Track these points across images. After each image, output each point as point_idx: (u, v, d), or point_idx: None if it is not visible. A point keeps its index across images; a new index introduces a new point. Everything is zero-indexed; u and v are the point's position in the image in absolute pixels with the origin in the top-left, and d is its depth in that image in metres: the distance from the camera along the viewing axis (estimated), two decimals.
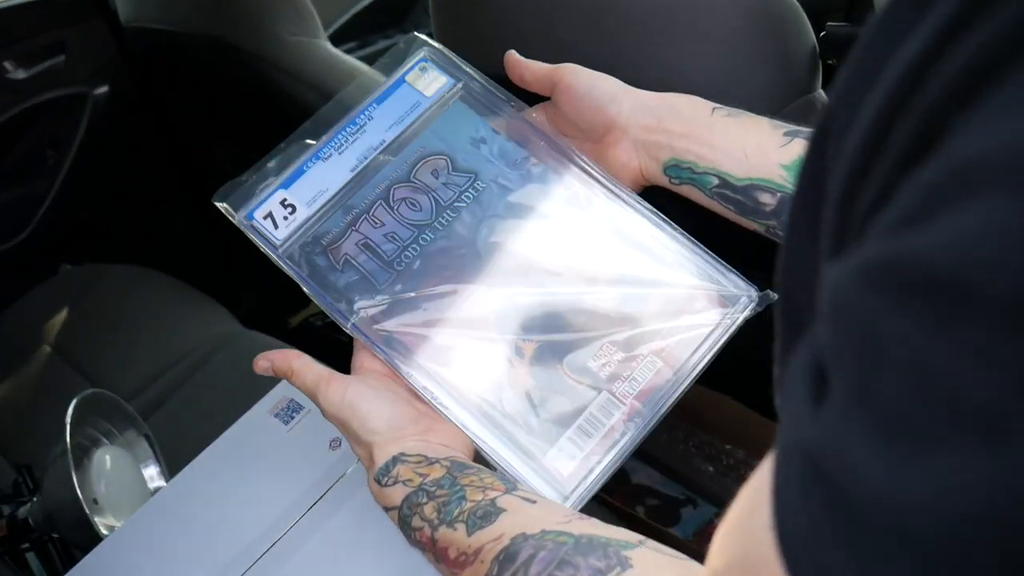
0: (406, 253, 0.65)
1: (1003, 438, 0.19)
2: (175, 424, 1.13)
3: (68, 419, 0.85)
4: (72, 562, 0.72)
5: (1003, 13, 0.21)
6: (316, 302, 0.63)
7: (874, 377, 0.22)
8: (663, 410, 0.61)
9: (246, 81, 1.38)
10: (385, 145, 0.68)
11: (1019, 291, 0.19)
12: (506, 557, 0.48)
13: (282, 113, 1.21)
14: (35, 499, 0.89)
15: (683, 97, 0.66)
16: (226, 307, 1.31)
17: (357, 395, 0.59)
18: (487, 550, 0.50)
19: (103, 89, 1.46)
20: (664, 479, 1.15)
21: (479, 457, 0.60)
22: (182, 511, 0.72)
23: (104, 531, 0.81)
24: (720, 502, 1.10)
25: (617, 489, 1.13)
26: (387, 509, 0.57)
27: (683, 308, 0.63)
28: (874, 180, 0.23)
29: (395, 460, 0.57)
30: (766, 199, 0.62)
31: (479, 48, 0.71)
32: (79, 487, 0.80)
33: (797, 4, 0.82)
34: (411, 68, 0.71)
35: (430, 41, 0.72)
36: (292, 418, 0.74)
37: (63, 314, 1.33)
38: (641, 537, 0.47)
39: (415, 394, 0.60)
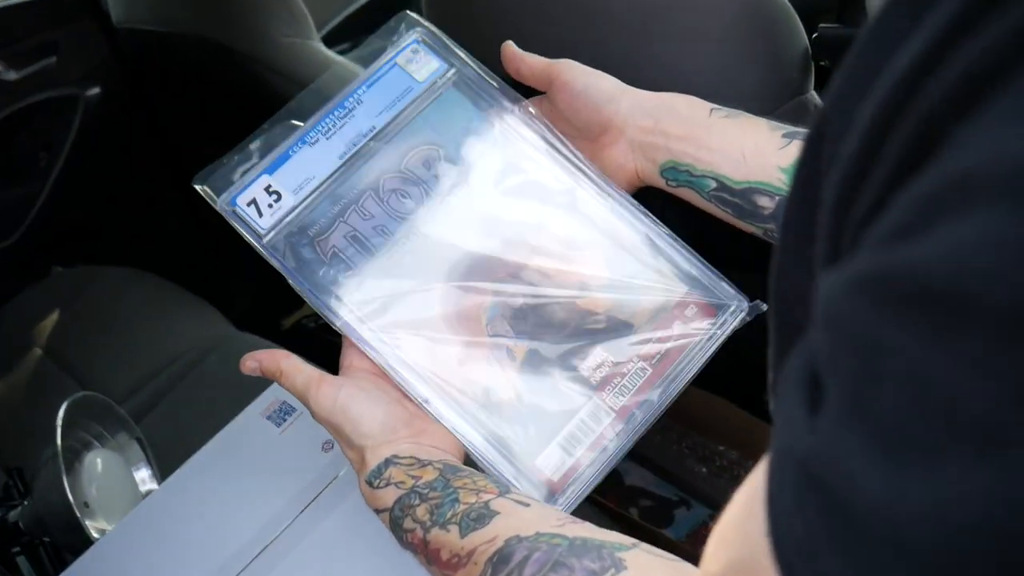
0: (396, 247, 0.63)
1: (1000, 449, 0.19)
2: (167, 427, 1.12)
3: (59, 422, 0.84)
4: (63, 566, 0.72)
5: (1006, 19, 0.20)
6: (303, 296, 0.62)
7: (870, 387, 0.21)
8: (652, 417, 0.60)
9: (239, 82, 1.38)
10: (375, 132, 0.65)
11: (1016, 302, 0.19)
12: (500, 559, 0.48)
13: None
14: (26, 502, 0.88)
15: (681, 97, 0.65)
16: (218, 309, 1.31)
17: (348, 398, 0.58)
18: (480, 552, 0.49)
19: (95, 90, 1.46)
20: (657, 480, 1.15)
21: (470, 460, 0.59)
22: (174, 514, 0.71)
23: (95, 535, 0.80)
24: (713, 503, 1.10)
25: (610, 490, 1.13)
26: (378, 511, 0.57)
27: (674, 316, 0.63)
28: (869, 189, 0.23)
29: (387, 463, 0.56)
30: (764, 202, 0.62)
31: (473, 48, 0.71)
32: (70, 490, 0.80)
33: (789, 5, 0.82)
34: (402, 50, 0.68)
35: (422, 21, 0.69)
36: (284, 420, 0.74)
37: (54, 316, 1.32)
38: (635, 540, 0.47)
39: (405, 394, 0.60)
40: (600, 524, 0.49)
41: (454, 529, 0.52)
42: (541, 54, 0.68)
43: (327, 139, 0.65)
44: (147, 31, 1.45)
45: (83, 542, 0.78)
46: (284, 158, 0.64)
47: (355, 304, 0.61)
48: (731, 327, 0.63)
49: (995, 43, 0.20)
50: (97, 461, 0.89)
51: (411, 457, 0.56)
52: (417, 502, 0.54)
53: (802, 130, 0.62)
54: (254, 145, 0.64)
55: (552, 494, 0.58)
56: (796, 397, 0.25)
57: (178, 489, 0.73)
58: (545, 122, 0.67)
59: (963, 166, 0.20)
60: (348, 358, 0.62)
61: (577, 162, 0.66)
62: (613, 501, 1.12)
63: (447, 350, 0.61)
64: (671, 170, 0.64)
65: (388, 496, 0.55)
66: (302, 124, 0.65)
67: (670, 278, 0.64)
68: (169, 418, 1.15)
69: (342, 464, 0.70)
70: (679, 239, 0.65)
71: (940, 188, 0.21)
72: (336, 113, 0.65)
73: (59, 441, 0.82)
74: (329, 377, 0.60)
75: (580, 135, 0.68)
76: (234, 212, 0.63)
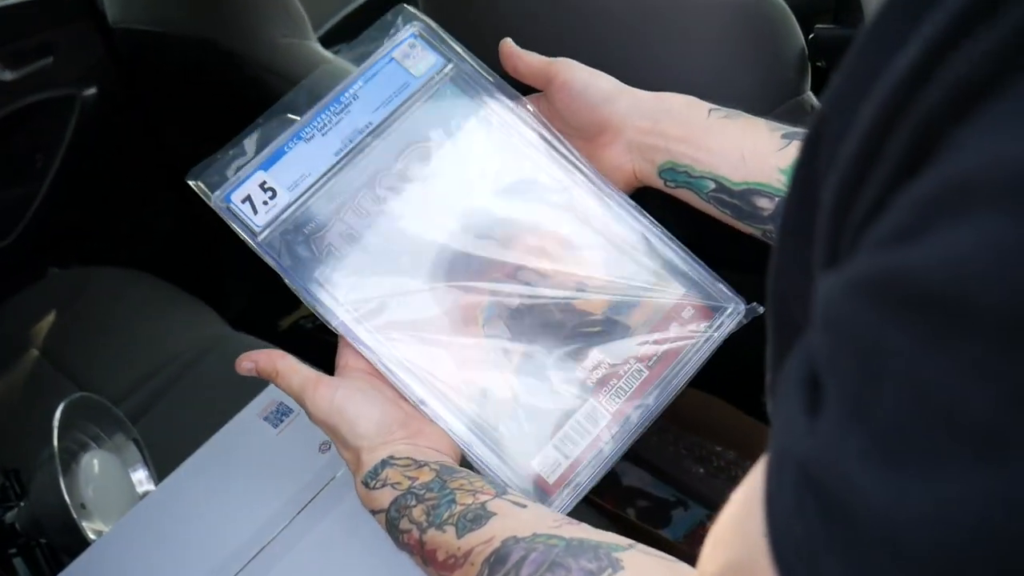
0: (392, 245, 0.62)
1: (1000, 452, 0.19)
2: (164, 428, 1.12)
3: (56, 423, 0.84)
4: (60, 567, 0.72)
5: (1006, 21, 0.20)
6: (298, 295, 0.61)
7: (869, 391, 0.21)
8: (648, 420, 0.60)
9: (236, 83, 1.38)
10: (371, 128, 0.65)
11: (1015, 305, 0.19)
12: (497, 559, 0.48)
13: None
14: (22, 504, 0.88)
15: (680, 98, 0.65)
16: (215, 309, 1.31)
17: (345, 399, 0.58)
18: (477, 552, 0.49)
19: (91, 90, 1.46)
20: (655, 481, 1.15)
21: (466, 461, 0.59)
22: (170, 515, 0.71)
23: (92, 536, 0.80)
24: (711, 504, 1.10)
25: (608, 491, 1.13)
26: (374, 512, 0.57)
27: (671, 318, 0.63)
28: (868, 191, 0.23)
29: (384, 463, 0.56)
30: (763, 203, 0.61)
31: (471, 46, 0.71)
32: (67, 492, 0.80)
33: (785, 6, 0.82)
34: (399, 44, 0.67)
35: (419, 15, 0.69)
36: (281, 421, 0.74)
37: (51, 317, 1.32)
38: (631, 541, 0.47)
39: (402, 395, 0.60)
40: (597, 525, 0.49)
41: (450, 530, 0.51)
42: (539, 53, 0.68)
43: (323, 135, 0.64)
44: (143, 31, 1.45)
45: (80, 543, 0.78)
46: (279, 154, 0.63)
47: (351, 304, 0.61)
48: (728, 329, 0.63)
49: (995, 46, 0.20)
50: (94, 462, 0.89)
51: (407, 458, 0.56)
52: (413, 503, 0.54)
53: (801, 131, 0.62)
54: (249, 140, 0.64)
55: (547, 496, 0.58)
56: (795, 398, 0.24)
57: (175, 490, 0.72)
58: (543, 120, 0.67)
59: (962, 168, 0.20)
60: (344, 358, 0.61)
61: (575, 161, 0.66)
62: (610, 502, 1.12)
63: (443, 351, 0.61)
64: (669, 171, 0.64)
65: (384, 497, 0.55)
66: (298, 118, 0.64)
67: (667, 280, 0.64)
68: (166, 419, 1.15)
69: (339, 465, 0.70)
70: (677, 240, 0.65)
71: (939, 190, 0.21)
72: (332, 109, 0.64)
73: (56, 442, 0.82)
74: (326, 378, 0.59)
75: (577, 134, 0.67)
76: (229, 209, 0.62)
